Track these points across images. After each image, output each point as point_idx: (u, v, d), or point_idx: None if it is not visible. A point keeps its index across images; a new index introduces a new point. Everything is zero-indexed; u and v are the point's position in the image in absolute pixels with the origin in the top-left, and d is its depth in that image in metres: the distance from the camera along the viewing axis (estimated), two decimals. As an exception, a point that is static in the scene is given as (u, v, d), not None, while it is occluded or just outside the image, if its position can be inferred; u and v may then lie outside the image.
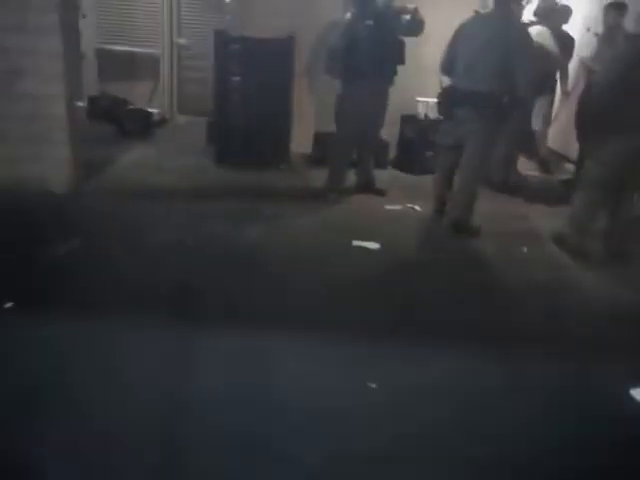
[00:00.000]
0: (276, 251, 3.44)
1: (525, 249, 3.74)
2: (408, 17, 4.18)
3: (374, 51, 4.13)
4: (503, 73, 3.59)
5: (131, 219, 3.77)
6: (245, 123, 5.02)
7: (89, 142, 4.60)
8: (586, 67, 4.90)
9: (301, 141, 5.26)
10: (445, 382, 2.34)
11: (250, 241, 3.54)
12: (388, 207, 4.29)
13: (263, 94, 5.03)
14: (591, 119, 3.58)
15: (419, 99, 5.28)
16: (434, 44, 4.96)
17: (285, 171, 4.99)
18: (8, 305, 2.62)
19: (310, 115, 5.34)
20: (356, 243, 3.56)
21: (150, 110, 6.22)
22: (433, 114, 5.10)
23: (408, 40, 4.30)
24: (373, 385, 2.29)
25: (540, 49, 4.61)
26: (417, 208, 4.30)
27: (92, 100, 6.12)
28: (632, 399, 2.32)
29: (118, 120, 5.92)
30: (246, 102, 5.05)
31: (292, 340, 2.53)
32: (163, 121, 6.24)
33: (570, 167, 5.29)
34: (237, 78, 5.08)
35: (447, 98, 3.84)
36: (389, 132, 5.12)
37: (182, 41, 6.64)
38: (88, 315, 2.60)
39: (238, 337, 2.52)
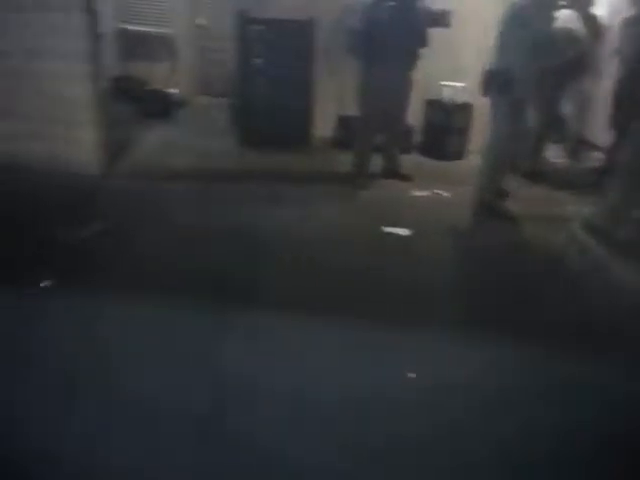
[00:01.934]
0: (302, 236, 3.40)
1: (553, 234, 3.68)
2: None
3: (396, 33, 4.05)
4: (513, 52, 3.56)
5: (156, 202, 3.75)
6: (267, 105, 4.97)
7: (112, 123, 4.55)
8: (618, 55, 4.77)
9: (323, 124, 5.19)
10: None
11: (276, 225, 3.50)
12: (416, 193, 4.23)
13: (284, 76, 4.98)
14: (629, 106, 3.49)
15: (444, 83, 5.17)
16: (463, 28, 4.89)
17: (308, 154, 4.92)
18: (44, 284, 2.62)
19: (331, 97, 5.26)
20: (386, 229, 3.52)
21: (169, 91, 6.16)
22: (460, 98, 5.01)
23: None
24: (413, 375, 2.27)
25: (568, 32, 4.52)
26: (444, 194, 4.24)
27: (113, 81, 6.06)
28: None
29: (138, 101, 5.87)
30: (267, 84, 5.00)
31: (319, 326, 2.52)
32: (183, 102, 6.16)
33: (598, 155, 5.17)
34: (258, 60, 5.02)
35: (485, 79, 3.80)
36: (414, 117, 5.04)
37: (202, 21, 6.54)
38: (114, 296, 2.62)
39: (261, 322, 2.51)
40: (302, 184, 4.23)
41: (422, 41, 4.18)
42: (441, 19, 4.11)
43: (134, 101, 5.86)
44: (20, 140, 3.98)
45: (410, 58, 4.21)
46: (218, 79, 6.18)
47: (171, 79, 6.42)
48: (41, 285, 2.63)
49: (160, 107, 5.90)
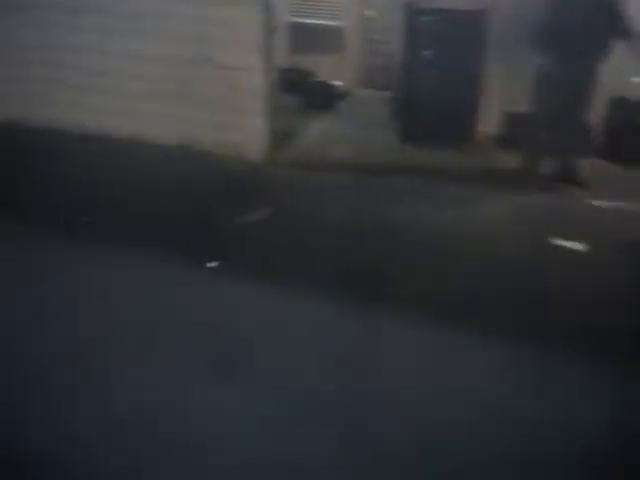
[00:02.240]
0: (462, 236, 3.23)
1: None
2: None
3: (585, 21, 3.65)
4: None
5: (314, 191, 3.81)
6: (432, 99, 4.78)
7: (278, 113, 4.71)
8: None
9: (487, 120, 4.88)
10: None
11: (435, 223, 3.36)
12: (593, 202, 3.78)
13: (453, 68, 4.74)
14: None
15: (635, 79, 4.56)
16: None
17: (471, 151, 4.66)
18: (211, 264, 2.78)
19: (498, 92, 4.92)
20: (556, 241, 3.18)
21: (333, 83, 6.23)
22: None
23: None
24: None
25: None
26: (629, 206, 3.73)
27: (280, 72, 6.27)
28: None
29: (303, 92, 6.01)
30: (434, 77, 4.80)
31: (470, 335, 2.41)
32: (346, 94, 6.20)
33: None
34: (427, 52, 4.84)
35: None
36: (595, 115, 4.52)
37: (371, 13, 6.50)
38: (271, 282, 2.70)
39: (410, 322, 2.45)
40: (464, 183, 4.01)
41: (614, 31, 3.71)
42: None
43: (299, 92, 6.01)
44: (191, 125, 4.28)
45: (600, 50, 3.77)
46: (382, 71, 6.11)
47: (336, 71, 6.49)
48: (208, 266, 2.79)
49: (323, 99, 5.98)
